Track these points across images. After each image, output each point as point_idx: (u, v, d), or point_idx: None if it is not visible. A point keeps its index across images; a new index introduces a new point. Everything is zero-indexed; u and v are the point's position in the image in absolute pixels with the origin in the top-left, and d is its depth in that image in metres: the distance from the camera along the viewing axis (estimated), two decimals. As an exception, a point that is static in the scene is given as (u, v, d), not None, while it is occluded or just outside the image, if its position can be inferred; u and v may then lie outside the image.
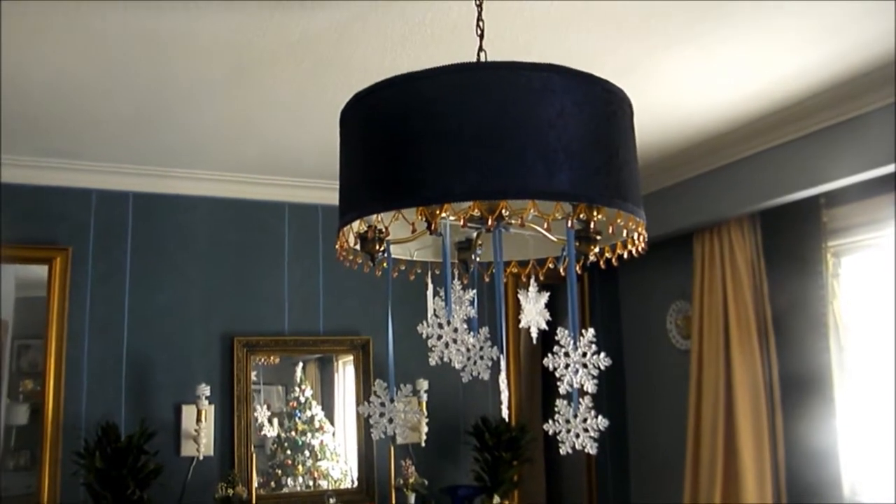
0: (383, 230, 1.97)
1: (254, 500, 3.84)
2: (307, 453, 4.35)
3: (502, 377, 1.94)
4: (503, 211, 1.63)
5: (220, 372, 4.22)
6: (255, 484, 3.90)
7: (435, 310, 1.76)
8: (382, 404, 1.95)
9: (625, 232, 1.83)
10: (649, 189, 4.36)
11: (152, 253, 4.20)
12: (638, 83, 3.15)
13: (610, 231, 1.72)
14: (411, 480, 4.16)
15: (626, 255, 2.07)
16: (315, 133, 3.67)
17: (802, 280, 3.80)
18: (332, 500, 3.83)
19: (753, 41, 2.89)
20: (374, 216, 1.78)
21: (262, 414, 4.32)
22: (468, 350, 2.09)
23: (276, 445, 4.33)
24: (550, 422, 1.81)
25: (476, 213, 1.79)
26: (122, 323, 4.08)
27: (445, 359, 1.76)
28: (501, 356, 1.95)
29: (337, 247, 1.98)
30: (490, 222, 1.69)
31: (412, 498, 4.17)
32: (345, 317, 4.45)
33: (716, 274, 4.18)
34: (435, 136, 1.64)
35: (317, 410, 4.47)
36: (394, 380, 1.96)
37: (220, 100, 3.28)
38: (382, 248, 2.03)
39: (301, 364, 4.46)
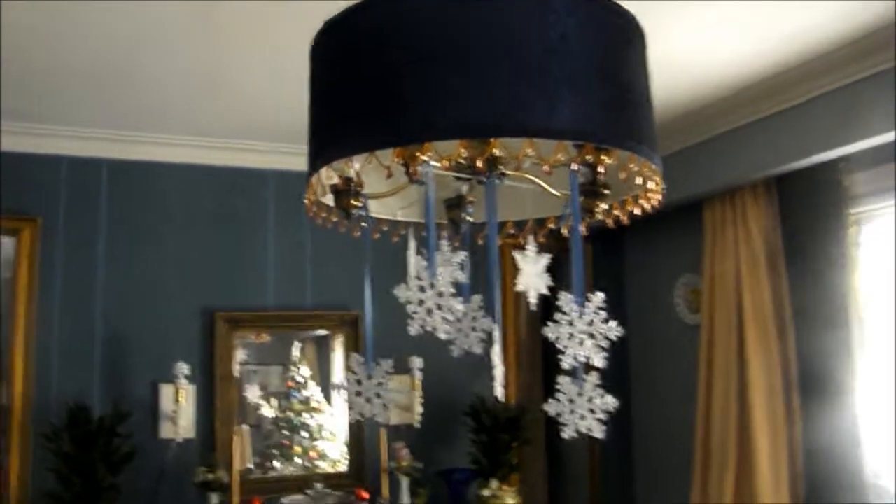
0: (356, 181, 1.71)
1: (236, 485, 3.61)
2: (304, 434, 4.20)
3: (496, 351, 1.69)
4: (494, 151, 1.37)
5: (201, 349, 3.98)
6: (237, 467, 3.66)
7: (416, 270, 1.51)
8: (359, 381, 1.70)
9: (636, 182, 1.57)
10: (655, 155, 4.10)
11: (128, 223, 3.96)
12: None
13: (623, 177, 1.46)
14: (404, 463, 3.93)
15: (638, 212, 1.82)
16: (299, 89, 3.40)
17: (822, 250, 3.55)
18: (319, 485, 3.60)
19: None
20: (346, 162, 1.52)
21: (253, 394, 4.11)
22: (459, 320, 1.85)
23: (272, 426, 4.19)
24: (551, 401, 1.57)
25: (464, 157, 1.54)
26: (95, 298, 3.85)
27: (428, 328, 1.51)
28: (496, 327, 1.71)
29: (306, 201, 1.72)
30: (479, 164, 1.43)
31: (405, 482, 3.95)
32: (334, 291, 4.20)
33: (728, 244, 3.93)
34: (414, 63, 1.38)
35: (315, 390, 4.35)
36: (371, 353, 1.70)
37: (186, 45, 3.00)
38: (359, 204, 1.77)
39: (299, 344, 4.31)
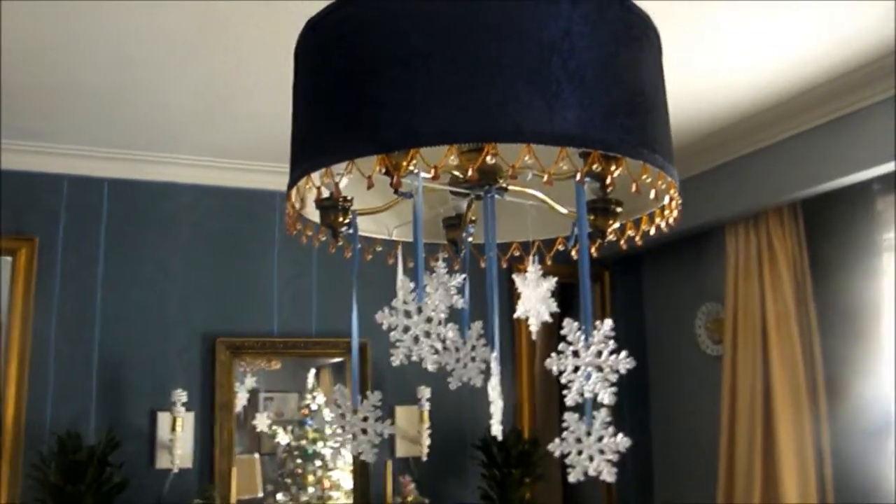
0: (342, 196, 1.56)
1: (233, 519, 3.45)
2: (317, 463, 4.02)
3: (493, 383, 1.52)
4: (488, 158, 1.22)
5: (201, 376, 3.83)
6: (234, 500, 3.50)
7: (403, 294, 1.35)
8: (343, 416, 1.53)
9: (651, 198, 1.41)
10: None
11: (128, 245, 3.84)
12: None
13: (634, 190, 1.30)
14: (410, 498, 3.75)
15: (654, 232, 1.65)
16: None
17: (852, 278, 3.36)
18: (319, 520, 3.44)
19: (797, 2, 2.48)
20: (326, 174, 1.37)
21: (261, 422, 3.96)
22: (457, 349, 1.69)
23: (286, 454, 4.05)
24: (557, 441, 1.41)
25: (457, 167, 1.39)
26: (93, 321, 3.72)
27: (414, 357, 1.35)
28: (494, 357, 1.55)
29: (287, 217, 1.58)
30: (470, 173, 1.28)
31: (411, 518, 3.77)
32: (340, 317, 4.05)
33: (752, 272, 3.74)
34: (399, 62, 1.24)
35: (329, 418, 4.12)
36: (357, 386, 1.55)
37: (193, 65, 2.91)
38: (347, 221, 1.63)
39: (314, 370, 4.15)
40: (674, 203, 1.49)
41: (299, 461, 4.03)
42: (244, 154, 3.89)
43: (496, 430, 1.52)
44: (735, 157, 3.72)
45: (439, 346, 1.35)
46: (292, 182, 1.44)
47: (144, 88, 3.14)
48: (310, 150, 1.37)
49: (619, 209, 1.66)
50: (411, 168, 1.29)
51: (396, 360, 1.33)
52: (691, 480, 4.29)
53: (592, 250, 1.81)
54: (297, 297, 4.05)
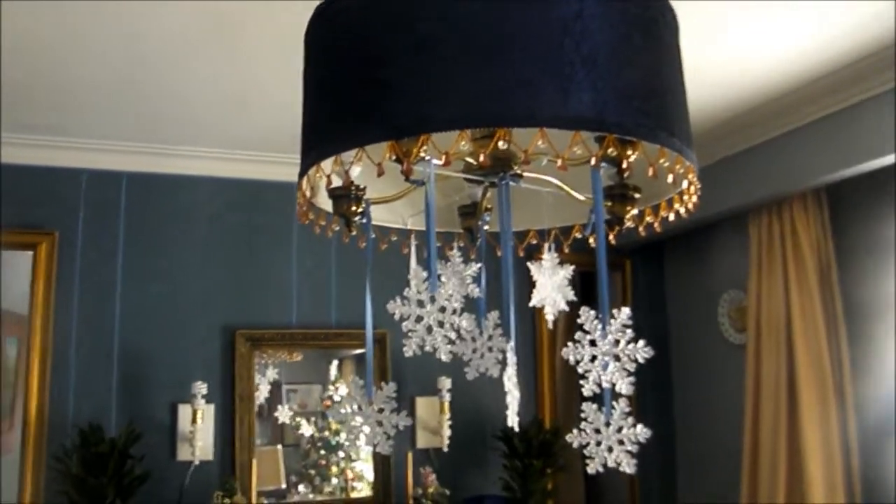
0: (355, 185, 1.54)
1: (254, 511, 3.45)
2: (341, 454, 4.03)
3: (509, 374, 1.50)
4: (501, 144, 1.19)
5: (221, 369, 3.84)
6: (255, 492, 3.51)
7: (416, 283, 1.33)
8: (359, 408, 1.51)
9: (669, 181, 1.37)
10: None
11: (147, 238, 3.84)
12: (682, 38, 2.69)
13: (651, 174, 1.26)
14: (430, 490, 3.74)
15: (673, 218, 1.62)
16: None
17: (879, 265, 3.30)
18: (339, 513, 3.43)
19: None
20: (336, 161, 1.35)
21: (283, 414, 3.95)
22: (474, 339, 1.67)
23: (309, 445, 4.06)
24: (575, 432, 1.38)
25: (467, 150, 1.36)
26: (113, 314, 3.73)
27: (428, 347, 1.32)
28: (510, 347, 1.52)
29: (298, 206, 1.56)
30: (482, 158, 1.25)
31: (431, 509, 3.75)
32: (360, 308, 4.01)
33: (775, 259, 3.68)
34: (409, 47, 1.22)
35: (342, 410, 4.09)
36: (371, 377, 1.53)
37: (207, 57, 2.90)
38: (360, 210, 1.61)
39: (336, 362, 4.16)
40: (692, 188, 1.45)
41: (322, 452, 4.03)
42: (261, 146, 3.88)
43: (512, 420, 1.50)
44: (758, 143, 3.65)
45: (453, 335, 1.33)
46: (303, 171, 1.42)
47: (159, 82, 3.13)
48: (319, 138, 1.36)
49: (637, 195, 1.62)
50: (423, 155, 1.26)
51: (409, 351, 1.31)
52: (715, 471, 4.25)
53: (610, 237, 1.78)
54: (316, 289, 4.04)
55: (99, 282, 3.73)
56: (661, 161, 1.29)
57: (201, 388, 3.58)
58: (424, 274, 1.33)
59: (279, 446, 4.03)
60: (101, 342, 3.68)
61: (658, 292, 4.74)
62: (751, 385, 3.75)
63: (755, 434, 3.69)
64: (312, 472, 4.02)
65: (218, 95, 3.29)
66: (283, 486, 3.97)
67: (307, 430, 4.06)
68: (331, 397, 4.13)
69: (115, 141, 3.75)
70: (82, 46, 2.81)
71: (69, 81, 3.11)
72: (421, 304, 1.33)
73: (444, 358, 1.33)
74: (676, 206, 1.57)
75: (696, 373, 4.49)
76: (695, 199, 1.49)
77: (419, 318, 1.32)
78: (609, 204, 1.64)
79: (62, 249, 3.67)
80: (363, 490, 4.01)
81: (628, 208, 1.62)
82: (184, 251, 3.89)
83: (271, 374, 4.01)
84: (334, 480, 4.03)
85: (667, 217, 1.63)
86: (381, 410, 1.48)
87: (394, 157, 1.25)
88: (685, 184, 1.44)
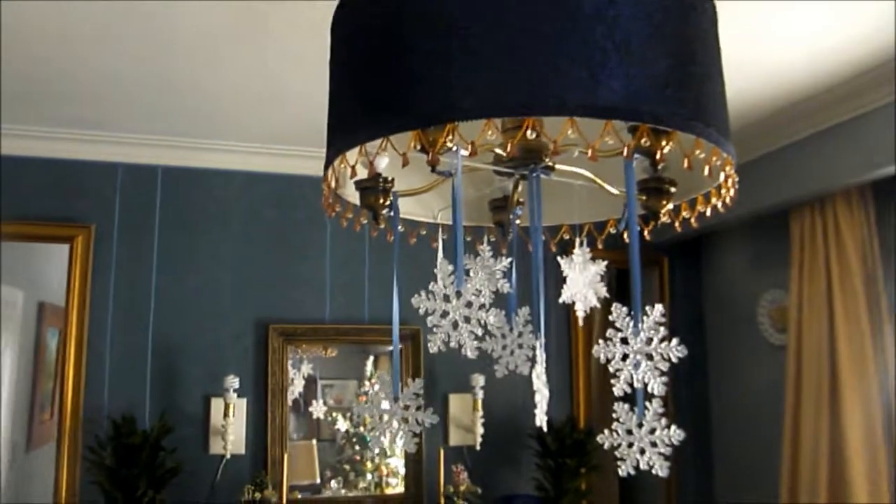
0: (382, 177, 1.51)
1: (284, 506, 3.45)
2: (376, 450, 4.01)
3: (538, 371, 1.46)
4: (530, 134, 1.15)
5: (254, 363, 3.84)
6: (286, 486, 3.50)
7: (441, 277, 1.29)
8: (382, 404, 1.49)
9: (705, 174, 1.32)
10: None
11: (182, 232, 3.86)
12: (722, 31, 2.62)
13: (685, 165, 1.21)
14: (462, 488, 3.70)
15: (710, 213, 1.56)
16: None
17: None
18: (370, 509, 3.41)
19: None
20: (361, 152, 1.31)
21: (318, 409, 3.95)
22: (503, 337, 1.63)
23: (344, 441, 4.06)
24: (606, 432, 1.34)
25: (497, 141, 1.32)
26: (148, 307, 3.75)
27: (453, 343, 1.29)
28: (539, 344, 1.48)
29: (324, 199, 1.54)
30: (509, 148, 1.21)
31: (463, 507, 3.71)
32: (392, 305, 4.00)
33: (818, 258, 3.58)
34: (435, 35, 1.18)
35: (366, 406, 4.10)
36: (398, 374, 1.50)
37: (237, 50, 2.89)
38: (388, 203, 1.57)
39: (372, 357, 4.14)
40: (730, 181, 1.40)
41: (357, 448, 4.03)
42: (296, 140, 3.87)
43: (541, 420, 1.46)
44: (801, 138, 3.55)
45: (480, 331, 1.29)
46: (328, 162, 1.39)
47: (193, 77, 3.13)
48: (344, 129, 1.33)
49: (672, 189, 1.57)
50: (449, 145, 1.23)
51: (434, 347, 1.27)
52: (753, 475, 4.15)
53: (646, 233, 1.73)
54: (349, 284, 4.03)
55: (134, 275, 3.75)
56: (697, 153, 1.24)
57: (233, 381, 3.59)
58: (451, 268, 1.29)
59: (314, 441, 4.03)
60: (135, 335, 3.71)
61: (696, 291, 4.65)
62: (791, 387, 3.65)
63: (795, 436, 3.59)
64: (347, 467, 4.02)
65: (251, 89, 3.28)
66: (318, 480, 3.96)
67: (343, 425, 4.06)
68: (366, 393, 4.12)
69: (150, 135, 3.77)
70: (117, 42, 2.82)
71: (104, 76, 3.12)
72: (447, 298, 1.30)
73: (469, 354, 1.29)
74: (714, 200, 1.52)
75: (734, 373, 4.40)
76: (732, 192, 1.43)
77: (445, 314, 1.29)
78: (643, 198, 1.59)
79: (98, 242, 3.70)
80: (397, 485, 4.00)
81: (663, 202, 1.57)
82: (218, 245, 3.90)
83: (306, 368, 4.01)
84: (368, 476, 4.02)
85: (704, 212, 1.57)
86: (406, 407, 1.45)
87: (419, 147, 1.21)
88: (722, 177, 1.38)
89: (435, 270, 1.34)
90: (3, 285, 3.64)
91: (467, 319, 1.29)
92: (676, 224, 1.63)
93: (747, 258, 4.31)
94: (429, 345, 1.28)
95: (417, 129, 1.19)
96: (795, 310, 3.69)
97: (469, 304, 1.30)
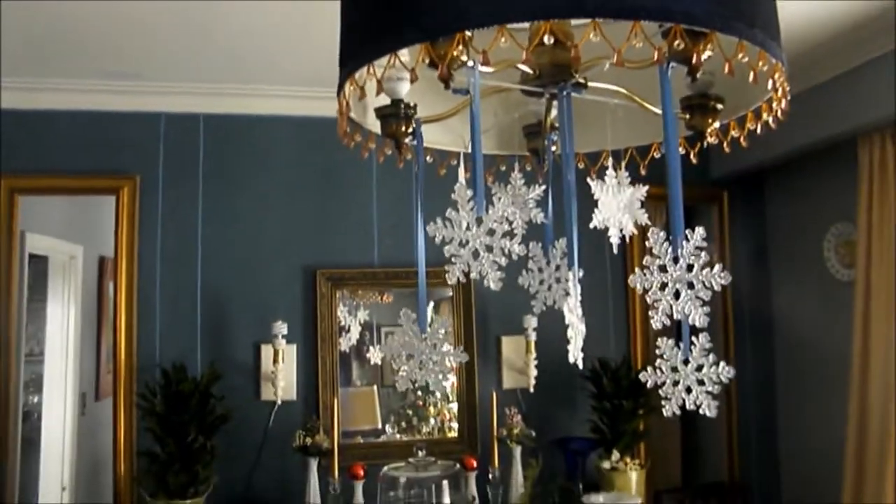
0: (405, 103, 1.41)
1: (336, 450, 3.43)
2: (438, 395, 4.00)
3: (571, 305, 1.36)
4: (546, 38, 1.03)
5: (303, 309, 3.82)
6: (337, 431, 3.49)
7: (460, 203, 1.19)
8: (410, 342, 1.41)
9: (750, 79, 1.18)
10: (799, 86, 3.52)
11: (227, 179, 3.83)
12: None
13: (725, 69, 1.09)
14: (515, 431, 3.64)
15: (759, 129, 1.43)
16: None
17: None
18: (421, 452, 3.37)
19: None
20: (370, 74, 1.21)
21: (375, 355, 3.92)
22: (539, 271, 1.54)
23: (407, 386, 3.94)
24: (650, 370, 1.25)
25: (507, 47, 1.20)
26: (195, 256, 3.74)
27: (474, 274, 1.20)
28: (573, 277, 1.39)
29: (339, 127, 1.45)
30: (524, 57, 1.09)
31: (517, 451, 3.66)
32: (440, 246, 3.92)
33: (888, 188, 3.38)
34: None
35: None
36: (425, 310, 1.42)
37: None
38: (411, 130, 1.48)
39: (432, 303, 4.08)
40: (780, 91, 1.26)
41: (420, 394, 4.01)
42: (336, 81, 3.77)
43: (575, 356, 1.37)
44: (870, 59, 3.31)
45: (503, 261, 1.20)
46: (340, 84, 1.30)
47: (232, 21, 3.05)
48: (353, 49, 1.23)
49: (719, 106, 1.44)
50: (462, 59, 1.12)
51: (452, 278, 1.19)
52: (818, 417, 4.00)
53: (692, 156, 1.60)
54: (397, 227, 3.95)
55: (180, 224, 3.74)
56: (741, 57, 1.11)
57: (281, 327, 3.58)
58: (470, 192, 1.20)
59: (375, 387, 4.01)
60: (184, 284, 3.71)
61: (759, 226, 4.45)
62: (859, 324, 3.48)
63: (864, 370, 3.43)
64: (410, 412, 4.01)
65: (292, 31, 3.19)
66: (379, 426, 3.96)
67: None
68: (426, 339, 4.07)
69: (191, 83, 3.72)
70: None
71: (143, 25, 3.06)
72: (468, 227, 1.21)
73: (493, 286, 1.20)
74: (765, 115, 1.39)
75: (799, 313, 4.21)
76: (784, 105, 1.30)
77: (465, 242, 1.20)
78: (688, 116, 1.47)
79: (144, 193, 3.69)
80: (457, 431, 3.97)
81: (710, 120, 1.44)
82: (263, 192, 3.86)
83: (362, 315, 3.97)
84: (431, 421, 4.01)
85: (754, 129, 1.44)
86: (434, 346, 1.38)
87: (428, 62, 1.11)
88: (770, 85, 1.24)
89: (455, 197, 1.25)
90: (65, 241, 3.69)
91: (489, 249, 1.20)
92: (725, 145, 1.50)
93: (813, 190, 4.09)
94: (447, 276, 1.20)
95: (426, 43, 1.08)
96: (864, 243, 3.50)
97: (492, 232, 1.20)
